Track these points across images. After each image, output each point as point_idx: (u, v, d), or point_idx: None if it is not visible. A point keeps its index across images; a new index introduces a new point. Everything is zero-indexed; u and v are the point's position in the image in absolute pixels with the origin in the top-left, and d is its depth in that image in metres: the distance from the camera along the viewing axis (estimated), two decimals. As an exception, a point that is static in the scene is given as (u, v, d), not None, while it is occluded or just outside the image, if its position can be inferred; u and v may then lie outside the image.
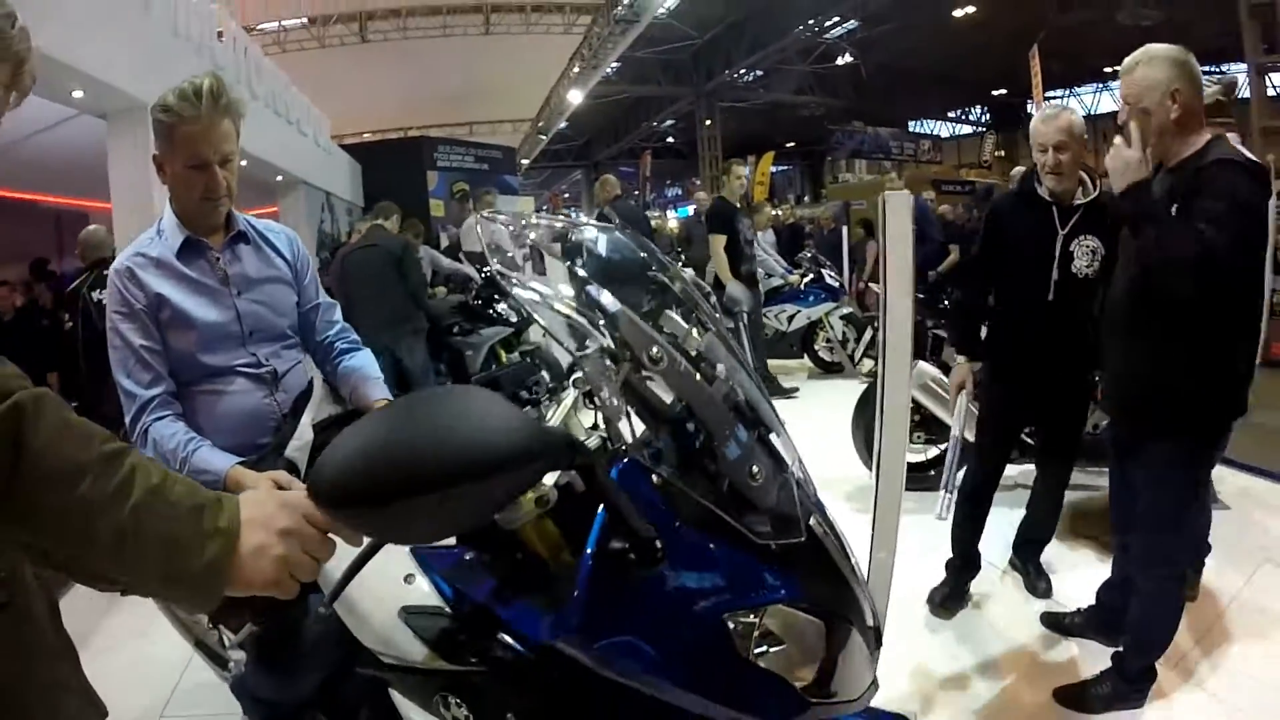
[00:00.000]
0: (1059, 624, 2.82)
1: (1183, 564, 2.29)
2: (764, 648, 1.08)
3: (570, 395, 1.39)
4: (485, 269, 6.15)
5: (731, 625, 1.07)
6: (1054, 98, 21.91)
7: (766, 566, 1.12)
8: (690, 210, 12.18)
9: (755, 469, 1.13)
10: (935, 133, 31.30)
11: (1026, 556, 3.18)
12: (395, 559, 1.28)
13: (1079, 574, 3.16)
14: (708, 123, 26.58)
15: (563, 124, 26.90)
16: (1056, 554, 3.29)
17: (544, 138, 27.37)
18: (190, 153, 1.73)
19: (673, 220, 24.28)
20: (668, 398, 1.23)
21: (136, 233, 1.86)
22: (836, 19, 21.67)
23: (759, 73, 26.16)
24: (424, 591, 1.27)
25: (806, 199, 31.99)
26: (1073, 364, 2.73)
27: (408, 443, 0.81)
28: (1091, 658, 2.62)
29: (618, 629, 1.06)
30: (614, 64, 20.54)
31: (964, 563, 3.03)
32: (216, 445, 1.68)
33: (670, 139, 33.62)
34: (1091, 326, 2.57)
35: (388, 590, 1.27)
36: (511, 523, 1.10)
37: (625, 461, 1.12)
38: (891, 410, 1.98)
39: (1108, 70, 22.68)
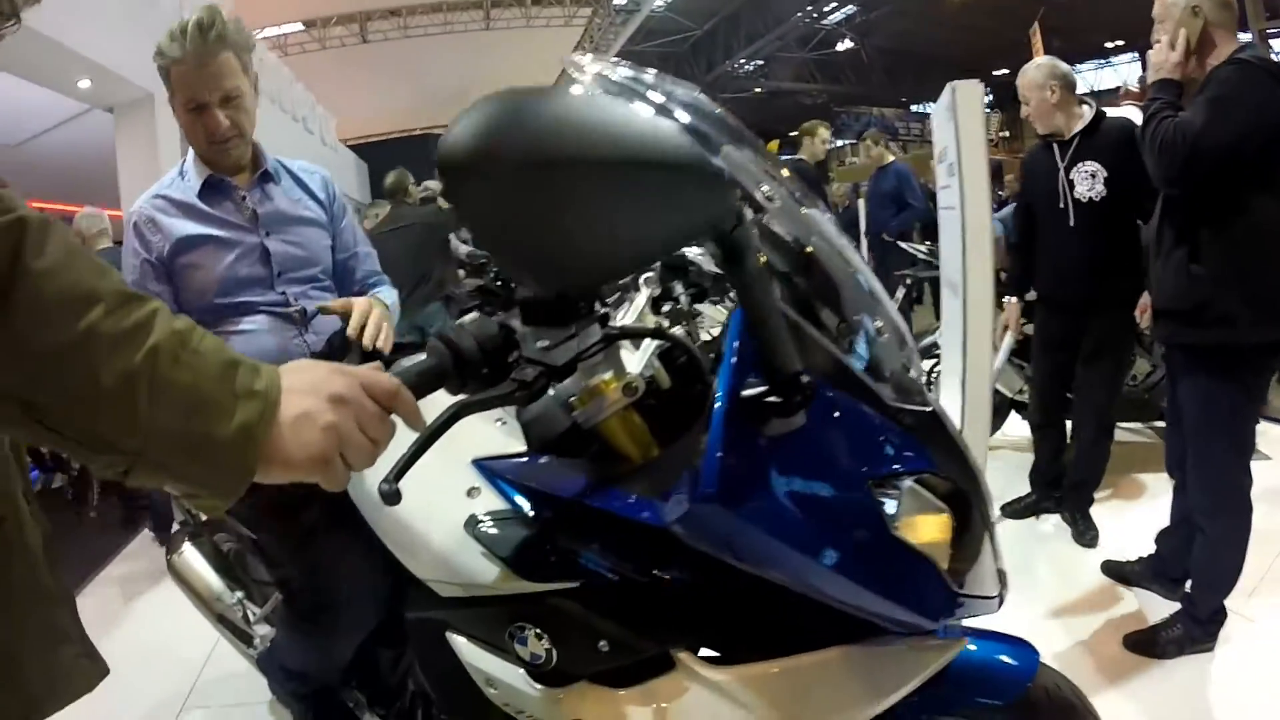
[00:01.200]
0: (1120, 573, 2.78)
1: (1244, 492, 2.24)
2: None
3: (642, 295, 1.28)
4: None
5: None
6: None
7: (901, 433, 0.99)
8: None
9: (880, 324, 1.03)
10: (939, 114, 31.08)
11: (1073, 505, 3.17)
12: (454, 471, 1.13)
13: (1135, 519, 3.09)
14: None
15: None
16: (1112, 500, 3.26)
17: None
18: (186, 95, 1.65)
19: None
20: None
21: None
22: (834, 4, 21.57)
23: (759, 62, 26.04)
24: (492, 507, 1.09)
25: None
26: (1105, 285, 2.91)
27: (579, 108, 0.68)
28: (1156, 604, 2.58)
29: (756, 494, 0.89)
30: (615, 57, 20.47)
31: (1044, 479, 3.32)
32: None
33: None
34: (1129, 250, 2.77)
35: (447, 508, 1.11)
36: (595, 416, 0.97)
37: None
38: (976, 317, 2.00)
39: (1109, 45, 22.49)
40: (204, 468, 0.62)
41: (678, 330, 1.00)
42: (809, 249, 1.04)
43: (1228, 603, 2.33)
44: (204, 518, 2.16)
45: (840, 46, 24.05)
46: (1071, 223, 2.94)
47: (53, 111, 5.06)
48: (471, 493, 1.11)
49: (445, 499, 1.12)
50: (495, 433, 1.17)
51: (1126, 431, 3.51)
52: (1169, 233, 2.20)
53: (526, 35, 18.90)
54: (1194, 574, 2.38)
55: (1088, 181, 2.88)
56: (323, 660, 1.53)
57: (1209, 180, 2.03)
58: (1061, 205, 2.95)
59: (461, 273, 6.61)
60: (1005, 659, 1.12)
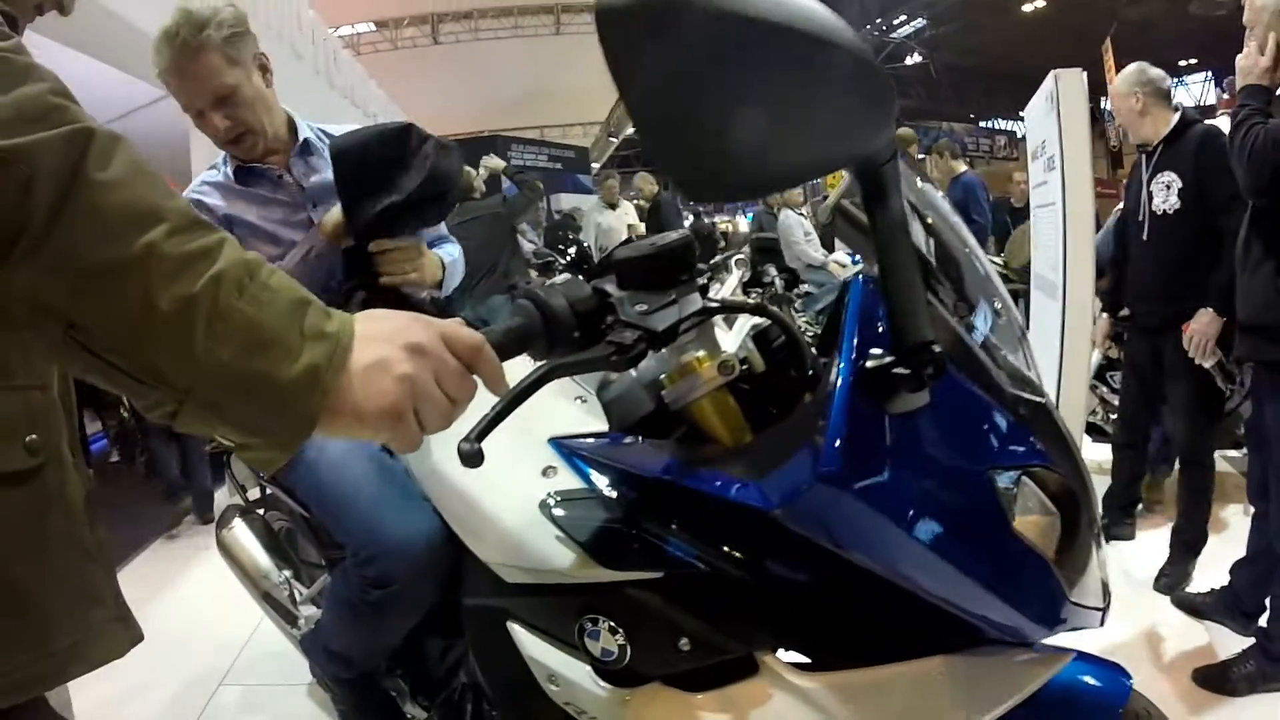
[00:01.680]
0: (1191, 605, 2.64)
1: None
2: None
3: (734, 276, 1.21)
4: (569, 248, 6.08)
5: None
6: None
7: (1016, 423, 0.91)
8: (753, 213, 11.92)
9: (999, 307, 0.96)
10: (1011, 129, 30.58)
11: (1174, 559, 2.90)
12: (530, 449, 1.05)
13: (1209, 551, 2.89)
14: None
15: (631, 129, 26.80)
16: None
17: (614, 140, 27.36)
18: (182, 103, 1.60)
19: (743, 224, 23.73)
20: None
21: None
22: (904, 18, 21.32)
23: (827, 74, 25.88)
24: (570, 487, 1.02)
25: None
26: (1177, 304, 2.74)
27: None
28: (1228, 639, 2.44)
29: (878, 476, 0.82)
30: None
31: (1122, 499, 3.24)
32: None
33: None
34: (1204, 266, 2.62)
35: (520, 487, 1.03)
36: (687, 395, 0.92)
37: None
38: (1075, 315, 1.95)
39: (1181, 64, 21.77)
40: (261, 412, 0.56)
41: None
42: (929, 219, 0.97)
43: None
44: (256, 495, 2.17)
45: (909, 60, 23.74)
46: (1145, 236, 2.86)
47: (128, 97, 5.15)
48: (547, 472, 1.04)
49: (518, 477, 1.04)
50: (574, 411, 1.10)
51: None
52: (1257, 245, 2.09)
53: (595, 42, 19.01)
54: (1272, 607, 2.24)
55: (1163, 193, 2.78)
56: (369, 644, 1.50)
57: None
58: (1140, 218, 2.87)
59: (533, 273, 6.63)
60: (1096, 681, 1.03)
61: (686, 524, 0.92)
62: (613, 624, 0.96)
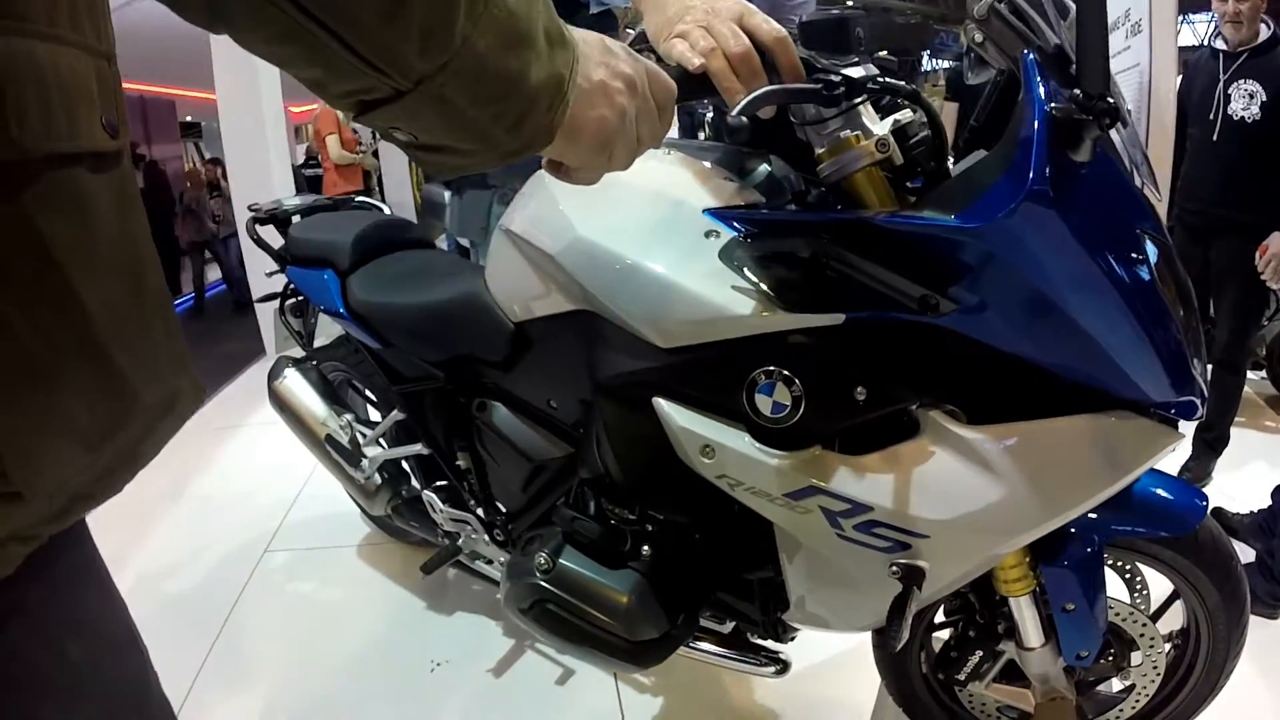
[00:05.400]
0: (1227, 523, 2.57)
1: None
2: None
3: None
4: None
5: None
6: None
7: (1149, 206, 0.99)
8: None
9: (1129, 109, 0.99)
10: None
11: (1196, 443, 2.92)
12: (685, 220, 1.06)
13: (1253, 471, 2.88)
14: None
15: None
16: (1234, 449, 2.99)
17: None
18: None
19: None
20: None
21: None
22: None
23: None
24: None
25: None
26: (1237, 210, 2.76)
27: None
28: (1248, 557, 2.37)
29: (1073, 205, 0.87)
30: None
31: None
32: None
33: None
34: (1270, 181, 2.62)
35: (682, 250, 1.04)
36: (846, 169, 0.96)
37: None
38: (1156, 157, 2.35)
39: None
40: (500, 115, 0.49)
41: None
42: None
43: None
44: (306, 351, 2.09)
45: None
46: (1215, 137, 2.83)
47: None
48: (709, 235, 1.03)
49: (679, 243, 1.05)
50: (726, 186, 1.09)
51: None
52: None
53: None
54: (1276, 524, 2.22)
55: (1244, 100, 2.75)
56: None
57: None
58: (1211, 117, 2.83)
59: None
60: (1175, 496, 1.17)
61: (873, 263, 0.93)
62: (788, 373, 0.98)
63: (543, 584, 1.30)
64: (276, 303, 2.08)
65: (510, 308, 1.32)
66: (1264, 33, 2.77)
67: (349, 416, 1.95)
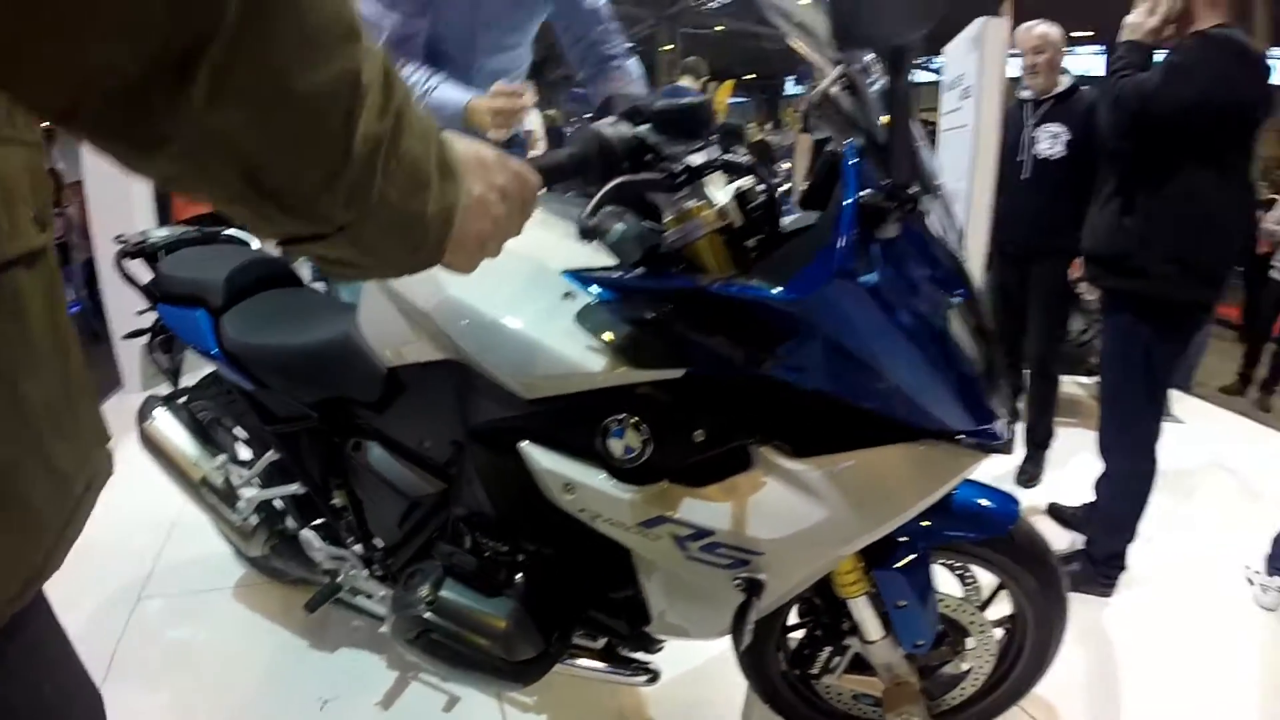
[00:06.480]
0: (1061, 516, 2.88)
1: (1149, 440, 2.33)
2: None
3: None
4: None
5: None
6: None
7: (956, 268, 1.14)
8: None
9: (940, 186, 1.15)
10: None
11: (1029, 456, 3.29)
12: (544, 280, 1.19)
13: (1079, 465, 3.14)
14: (668, 47, 25.96)
15: None
16: (1068, 448, 3.36)
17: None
18: None
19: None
20: None
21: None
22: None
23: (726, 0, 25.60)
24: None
25: (769, 126, 31.93)
26: (1046, 238, 3.10)
27: None
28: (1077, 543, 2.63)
29: (873, 278, 1.02)
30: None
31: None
32: None
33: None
34: (1074, 209, 2.79)
35: (542, 310, 1.17)
36: (689, 236, 1.06)
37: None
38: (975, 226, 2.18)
39: (1076, 35, 22.54)
40: (400, 244, 0.54)
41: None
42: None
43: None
44: (173, 389, 2.05)
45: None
46: (1024, 175, 3.16)
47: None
48: (566, 297, 1.17)
49: (540, 302, 1.18)
50: (580, 250, 1.18)
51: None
52: (1109, 183, 2.30)
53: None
54: (1097, 513, 2.49)
55: (1048, 141, 3.08)
56: None
57: (1154, 142, 2.10)
58: (1019, 158, 3.17)
59: None
60: (991, 503, 1.39)
61: (709, 326, 1.07)
62: (637, 420, 1.12)
63: (426, 615, 1.37)
64: (145, 339, 2.03)
65: (383, 352, 1.38)
66: (1066, 81, 3.10)
67: (223, 457, 1.93)
